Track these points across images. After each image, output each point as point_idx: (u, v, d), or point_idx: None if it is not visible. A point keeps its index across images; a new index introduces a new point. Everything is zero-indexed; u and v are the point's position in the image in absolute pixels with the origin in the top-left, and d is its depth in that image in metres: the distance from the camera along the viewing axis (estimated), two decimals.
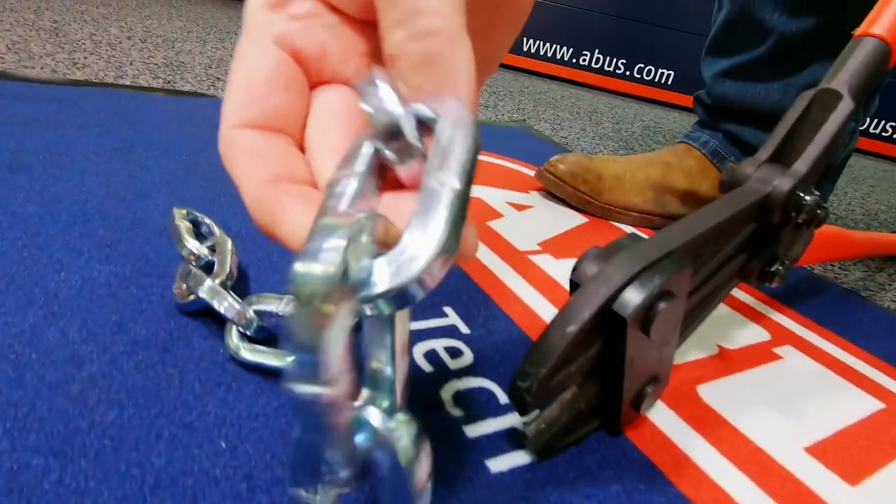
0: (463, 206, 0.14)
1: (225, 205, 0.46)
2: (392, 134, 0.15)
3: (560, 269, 0.49)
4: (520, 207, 0.63)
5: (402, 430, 0.16)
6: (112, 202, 0.43)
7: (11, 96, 0.61)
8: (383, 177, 0.17)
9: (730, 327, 0.45)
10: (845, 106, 0.28)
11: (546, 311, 0.41)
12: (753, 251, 0.31)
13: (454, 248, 0.13)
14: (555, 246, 0.54)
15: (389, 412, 0.16)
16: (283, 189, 0.17)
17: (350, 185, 0.15)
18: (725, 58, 0.65)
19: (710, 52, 0.68)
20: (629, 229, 0.64)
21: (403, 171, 0.16)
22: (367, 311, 0.13)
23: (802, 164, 0.28)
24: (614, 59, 2.24)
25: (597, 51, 2.24)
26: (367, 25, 0.19)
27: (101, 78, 0.79)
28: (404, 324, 0.17)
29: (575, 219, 0.63)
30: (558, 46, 2.24)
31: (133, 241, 0.38)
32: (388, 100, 0.15)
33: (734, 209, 0.26)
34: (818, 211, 0.29)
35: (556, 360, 0.22)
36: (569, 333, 0.22)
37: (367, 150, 0.16)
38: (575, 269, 0.25)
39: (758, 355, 0.42)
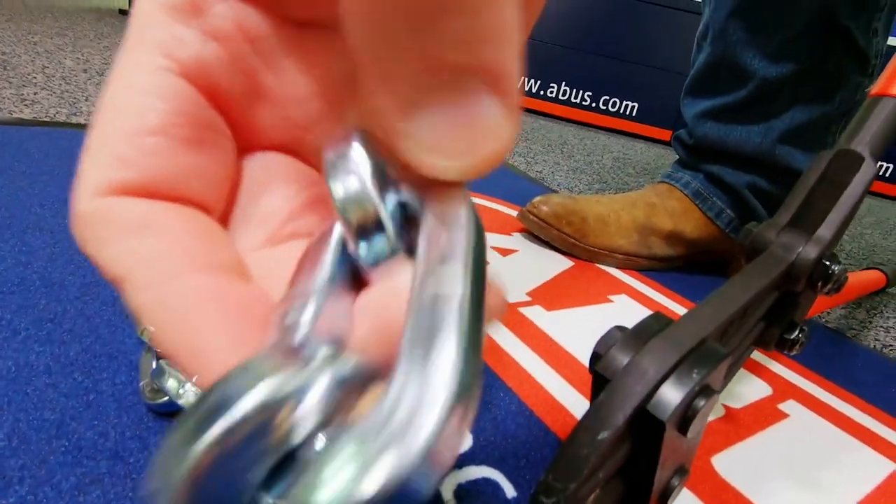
0: (478, 324, 0.09)
1: None
2: (368, 227, 0.11)
3: (553, 323, 0.46)
4: (504, 252, 0.60)
5: None
6: (57, 266, 0.38)
7: None
8: (354, 286, 0.12)
9: (731, 384, 0.43)
10: (868, 169, 0.27)
11: (545, 375, 0.38)
12: (772, 319, 0.29)
13: (475, 392, 0.08)
14: (544, 295, 0.51)
15: None
16: (199, 292, 0.11)
17: (310, 301, 0.11)
18: (706, 99, 0.65)
19: (690, 93, 0.68)
20: (616, 272, 0.62)
21: (376, 277, 0.12)
22: None
23: (826, 231, 0.26)
24: (580, 92, 2.29)
25: (563, 83, 2.29)
26: (322, 37, 0.13)
27: (53, 116, 0.74)
28: None
29: (561, 262, 0.61)
30: (526, 79, 2.27)
31: (80, 314, 0.33)
32: (366, 178, 0.11)
33: (762, 282, 0.24)
34: (843, 277, 0.27)
35: (587, 473, 0.19)
36: (601, 442, 0.19)
37: (332, 248, 0.12)
38: (597, 357, 0.22)
39: (764, 414, 0.40)
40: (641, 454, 0.21)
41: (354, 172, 0.11)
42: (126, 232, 0.11)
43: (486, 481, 0.28)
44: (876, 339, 0.62)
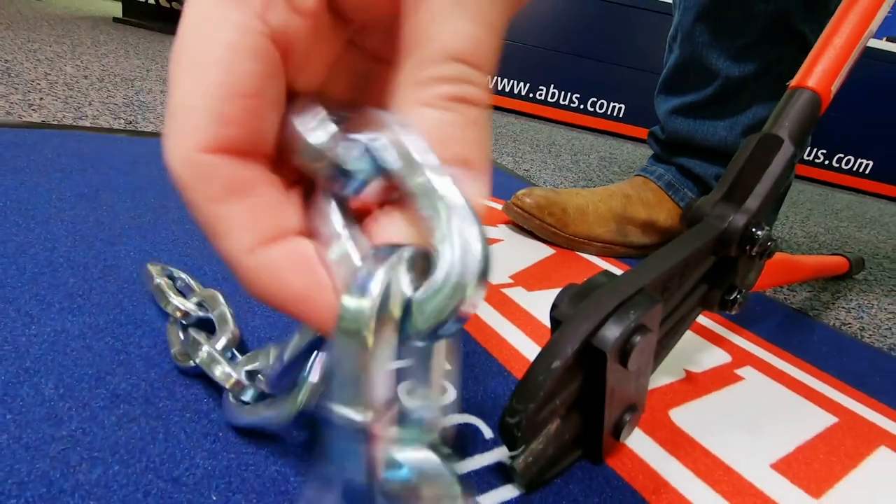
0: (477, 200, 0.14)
1: (199, 250, 0.46)
2: (340, 170, 0.14)
3: (533, 301, 0.50)
4: (490, 241, 0.64)
5: (444, 468, 0.15)
6: (80, 250, 0.42)
7: None
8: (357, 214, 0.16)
9: (694, 352, 0.47)
10: (786, 150, 0.32)
11: (522, 343, 0.43)
12: (714, 282, 0.33)
13: (489, 266, 0.13)
14: (526, 278, 0.56)
15: (428, 448, 0.16)
16: (290, 257, 0.14)
17: (342, 239, 0.15)
18: (677, 97, 0.70)
19: (662, 91, 0.73)
20: (595, 259, 0.66)
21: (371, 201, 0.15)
22: (412, 341, 0.13)
23: (753, 202, 0.31)
24: (569, 94, 2.35)
25: (552, 86, 2.34)
26: (356, 38, 0.16)
27: (60, 119, 0.77)
28: (445, 355, 0.16)
29: (543, 250, 0.65)
30: (515, 82, 2.33)
31: (105, 290, 0.37)
32: (321, 128, 0.14)
33: (696, 245, 0.29)
34: (769, 243, 0.31)
35: (543, 395, 0.23)
36: (553, 369, 0.23)
37: (329, 200, 0.15)
38: (555, 307, 0.26)
39: (721, 377, 0.44)
40: (591, 386, 0.26)
41: (322, 129, 0.14)
42: (228, 194, 0.13)
43: (468, 426, 0.32)
44: (836, 318, 0.67)
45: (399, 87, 0.14)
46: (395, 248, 0.13)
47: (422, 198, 0.13)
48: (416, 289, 0.13)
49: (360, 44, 0.16)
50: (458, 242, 0.12)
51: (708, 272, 0.32)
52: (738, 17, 0.62)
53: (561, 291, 0.27)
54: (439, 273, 0.13)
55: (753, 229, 0.30)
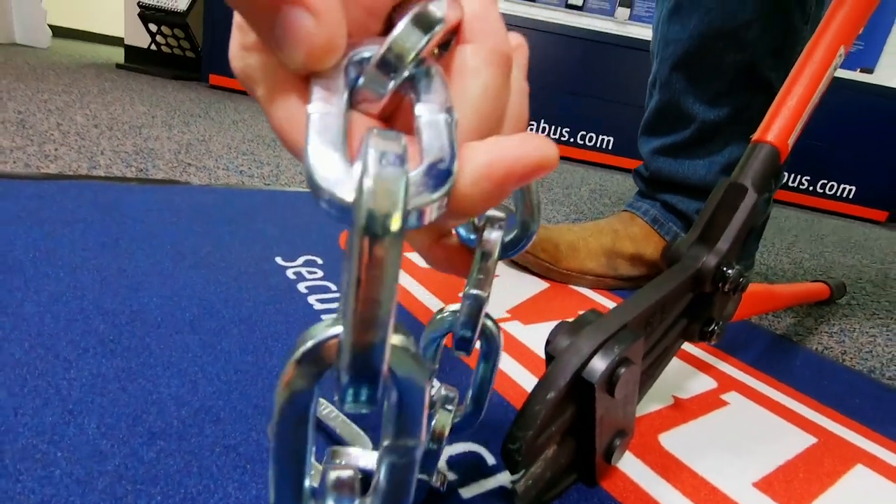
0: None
1: (216, 294, 0.49)
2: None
3: (529, 335, 0.53)
4: None
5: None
6: (107, 297, 0.45)
7: None
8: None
9: (682, 379, 0.50)
10: (750, 198, 0.36)
11: (520, 375, 0.46)
12: (693, 316, 0.37)
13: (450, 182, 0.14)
14: (522, 312, 0.59)
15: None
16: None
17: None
18: (658, 138, 0.75)
19: (644, 133, 0.78)
20: (587, 292, 0.70)
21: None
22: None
23: (723, 244, 0.35)
24: (559, 128, 2.43)
25: (542, 120, 2.42)
26: None
27: (75, 169, 0.81)
28: None
29: (537, 285, 0.69)
30: None
31: (134, 335, 0.40)
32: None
33: (673, 284, 0.32)
34: (740, 279, 0.35)
35: (540, 423, 0.26)
36: (548, 400, 0.26)
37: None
38: (549, 342, 0.30)
39: (708, 402, 0.47)
40: (583, 414, 0.29)
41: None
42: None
43: (472, 453, 0.35)
44: (819, 343, 0.70)
45: None
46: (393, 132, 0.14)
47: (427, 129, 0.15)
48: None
49: None
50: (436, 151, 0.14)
51: (686, 307, 0.36)
52: (711, 67, 0.68)
53: (554, 328, 0.30)
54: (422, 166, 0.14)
55: (724, 268, 0.34)
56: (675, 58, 0.70)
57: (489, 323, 0.25)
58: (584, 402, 0.28)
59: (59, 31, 3.37)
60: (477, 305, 0.23)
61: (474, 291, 0.23)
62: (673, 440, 0.40)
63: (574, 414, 0.29)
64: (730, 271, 0.34)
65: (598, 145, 2.43)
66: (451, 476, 0.32)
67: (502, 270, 0.71)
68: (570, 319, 0.32)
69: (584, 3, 2.51)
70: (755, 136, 0.39)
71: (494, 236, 0.23)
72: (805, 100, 0.38)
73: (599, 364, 0.27)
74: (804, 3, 0.64)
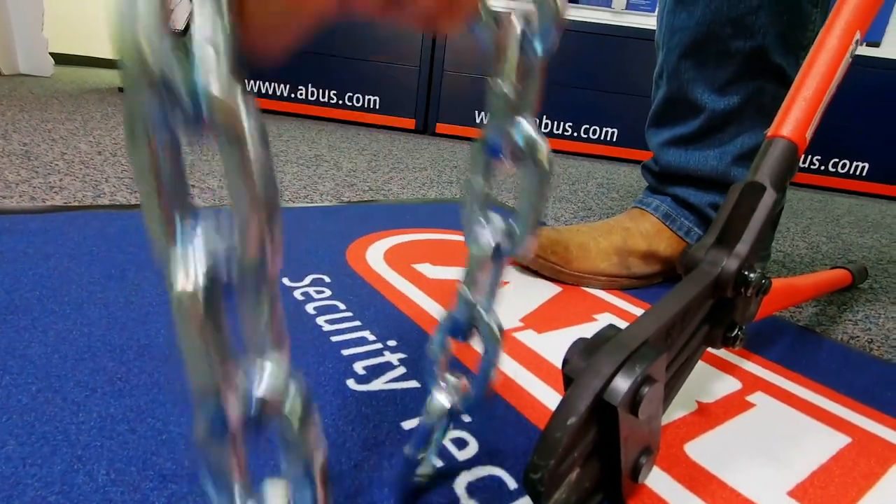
0: None
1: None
2: None
3: (544, 344, 0.52)
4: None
5: None
6: (115, 332, 0.44)
7: None
8: None
9: (705, 382, 0.49)
10: (769, 196, 0.34)
11: (537, 389, 0.44)
12: (714, 321, 0.35)
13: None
14: (536, 320, 0.58)
15: None
16: None
17: None
18: (667, 129, 0.73)
19: (652, 125, 0.76)
20: (601, 293, 0.68)
21: None
22: None
23: (743, 247, 0.33)
24: (562, 123, 2.41)
25: (545, 116, 2.40)
26: None
27: (80, 199, 0.81)
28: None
29: (550, 289, 0.67)
30: None
31: (143, 371, 0.40)
32: None
33: (693, 292, 0.31)
34: (762, 282, 0.33)
35: (562, 451, 0.25)
36: (569, 426, 0.25)
37: None
38: (566, 363, 0.28)
39: (733, 406, 0.45)
40: (606, 436, 0.27)
41: None
42: None
43: (492, 478, 0.34)
44: (844, 332, 0.68)
45: None
46: None
47: None
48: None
49: None
50: None
51: (708, 314, 0.34)
52: (719, 55, 0.66)
53: (570, 347, 0.29)
54: None
55: (746, 272, 0.33)
56: (682, 47, 0.68)
57: (482, 311, 0.27)
58: (606, 425, 0.27)
59: (61, 59, 3.40)
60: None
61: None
62: (699, 449, 0.39)
63: (596, 436, 0.28)
64: (752, 275, 0.33)
65: (602, 138, 2.41)
66: (473, 503, 0.31)
67: (512, 276, 0.70)
68: (587, 337, 0.30)
69: None
70: (770, 132, 0.37)
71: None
72: (821, 91, 0.37)
73: (622, 384, 0.26)
74: None
